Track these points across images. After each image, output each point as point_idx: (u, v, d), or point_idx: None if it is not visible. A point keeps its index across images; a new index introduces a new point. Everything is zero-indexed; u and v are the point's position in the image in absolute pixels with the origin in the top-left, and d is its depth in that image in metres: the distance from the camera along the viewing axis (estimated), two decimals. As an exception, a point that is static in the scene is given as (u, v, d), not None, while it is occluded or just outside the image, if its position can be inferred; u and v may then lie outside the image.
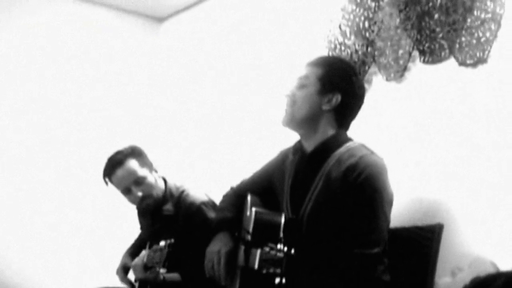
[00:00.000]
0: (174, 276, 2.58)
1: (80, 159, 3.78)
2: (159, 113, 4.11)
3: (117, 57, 4.02)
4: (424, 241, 2.12)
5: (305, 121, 2.07)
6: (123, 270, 2.80)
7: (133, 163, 2.65)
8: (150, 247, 2.69)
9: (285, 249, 1.77)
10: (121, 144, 2.78)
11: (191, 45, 3.96)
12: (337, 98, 2.04)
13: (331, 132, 2.07)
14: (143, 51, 4.15)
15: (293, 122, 2.09)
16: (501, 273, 0.85)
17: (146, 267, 2.46)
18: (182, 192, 2.73)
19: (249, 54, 3.43)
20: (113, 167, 2.66)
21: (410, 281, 2.09)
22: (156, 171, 2.74)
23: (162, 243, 2.39)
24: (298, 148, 2.15)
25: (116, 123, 3.95)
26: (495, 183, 2.12)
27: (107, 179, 2.69)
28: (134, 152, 2.69)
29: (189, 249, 2.26)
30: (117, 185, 2.69)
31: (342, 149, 2.02)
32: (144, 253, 2.53)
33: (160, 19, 4.24)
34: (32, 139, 3.66)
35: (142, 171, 2.66)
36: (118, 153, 2.69)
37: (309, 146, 2.10)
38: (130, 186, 2.65)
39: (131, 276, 2.78)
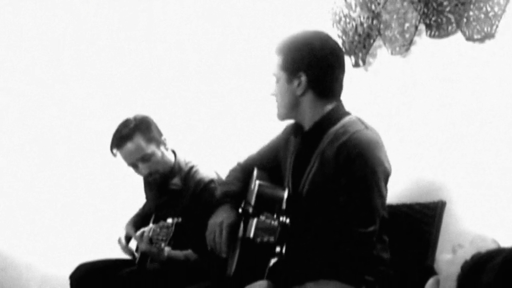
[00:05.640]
0: (178, 254, 2.58)
1: (82, 127, 3.73)
2: (162, 81, 4.00)
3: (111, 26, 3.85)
4: (426, 218, 2.13)
5: (290, 112, 2.09)
6: (125, 239, 2.80)
7: (140, 139, 2.61)
8: (155, 220, 2.70)
9: (281, 218, 1.77)
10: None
11: (190, 10, 3.85)
12: (304, 79, 2.01)
13: (324, 108, 2.04)
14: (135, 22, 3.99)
15: (282, 116, 2.13)
16: (502, 249, 0.83)
17: (151, 241, 2.46)
18: (191, 168, 2.71)
19: (251, 25, 3.39)
20: (120, 140, 2.63)
21: (411, 258, 2.10)
22: (164, 144, 2.70)
23: (169, 220, 2.38)
24: (298, 130, 2.14)
25: (112, 89, 3.81)
26: (498, 160, 2.10)
27: (114, 151, 2.67)
28: (142, 126, 2.64)
29: (196, 226, 2.25)
30: (124, 159, 2.67)
31: (338, 125, 2.00)
32: (150, 226, 2.52)
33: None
34: (28, 111, 3.65)
35: (149, 148, 2.62)
36: (125, 125, 2.65)
37: (306, 127, 2.09)
38: (137, 162, 2.64)
39: (132, 245, 2.78)
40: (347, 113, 2.06)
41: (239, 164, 2.40)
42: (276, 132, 2.32)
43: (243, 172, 2.33)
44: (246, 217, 2.02)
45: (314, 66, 2.01)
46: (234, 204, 2.20)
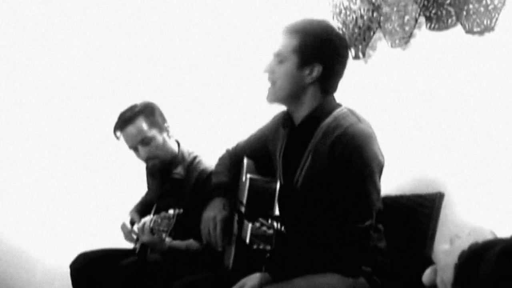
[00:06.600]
0: (179, 244, 2.59)
1: (83, 118, 3.73)
2: (164, 72, 3.99)
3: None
4: (424, 209, 2.13)
5: (289, 98, 2.01)
6: (131, 224, 2.80)
7: (142, 123, 2.64)
8: (156, 210, 2.70)
9: (276, 225, 1.75)
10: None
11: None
12: (318, 70, 1.95)
13: (318, 101, 2.00)
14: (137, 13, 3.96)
15: (277, 100, 2.04)
16: (499, 239, 0.84)
17: (152, 232, 2.47)
18: (195, 158, 2.73)
19: (251, 15, 3.39)
20: (123, 123, 2.66)
21: (409, 248, 2.11)
22: (167, 131, 2.72)
23: (170, 211, 2.39)
24: (287, 120, 2.09)
25: (112, 78, 3.79)
26: (496, 153, 2.10)
27: (117, 134, 2.70)
28: (146, 111, 2.67)
29: (198, 216, 2.27)
30: (125, 141, 2.69)
31: (330, 118, 1.96)
32: (151, 217, 2.53)
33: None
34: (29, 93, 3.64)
35: (150, 132, 2.64)
36: (130, 109, 2.69)
37: (297, 119, 2.05)
38: (137, 145, 2.66)
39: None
40: (338, 105, 2.03)
41: (228, 152, 2.39)
42: (267, 118, 2.30)
43: (233, 160, 2.32)
44: (239, 217, 2.02)
45: (331, 60, 1.97)
46: (226, 195, 2.21)
